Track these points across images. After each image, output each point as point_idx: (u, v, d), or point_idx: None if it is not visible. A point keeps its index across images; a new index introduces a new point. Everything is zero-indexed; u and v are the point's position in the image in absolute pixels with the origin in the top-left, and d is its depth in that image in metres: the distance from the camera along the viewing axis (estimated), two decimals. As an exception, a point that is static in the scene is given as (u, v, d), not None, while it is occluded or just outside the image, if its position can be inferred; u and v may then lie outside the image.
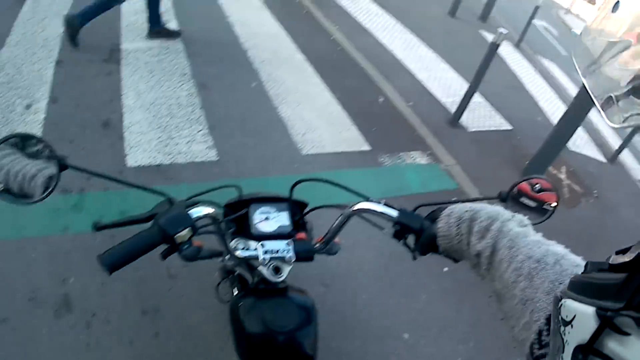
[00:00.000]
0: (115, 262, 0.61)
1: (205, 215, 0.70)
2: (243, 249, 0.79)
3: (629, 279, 0.20)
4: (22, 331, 1.47)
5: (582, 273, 0.27)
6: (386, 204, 0.73)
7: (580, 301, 0.24)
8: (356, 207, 0.75)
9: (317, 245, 0.82)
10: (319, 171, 2.43)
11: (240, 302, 0.80)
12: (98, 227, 0.71)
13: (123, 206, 1.88)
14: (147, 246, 0.64)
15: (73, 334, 1.51)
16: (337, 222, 0.80)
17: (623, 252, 0.23)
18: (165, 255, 0.68)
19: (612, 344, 0.20)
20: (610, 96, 0.40)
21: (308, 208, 0.89)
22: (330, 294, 1.82)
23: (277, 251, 0.77)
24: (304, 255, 0.78)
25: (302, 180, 0.81)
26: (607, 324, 0.21)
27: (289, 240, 0.79)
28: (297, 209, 0.87)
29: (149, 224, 0.68)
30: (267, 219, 0.82)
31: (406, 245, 0.72)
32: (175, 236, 0.64)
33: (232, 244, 0.79)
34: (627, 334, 0.20)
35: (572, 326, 0.24)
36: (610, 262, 0.24)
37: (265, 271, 0.77)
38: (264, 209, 0.83)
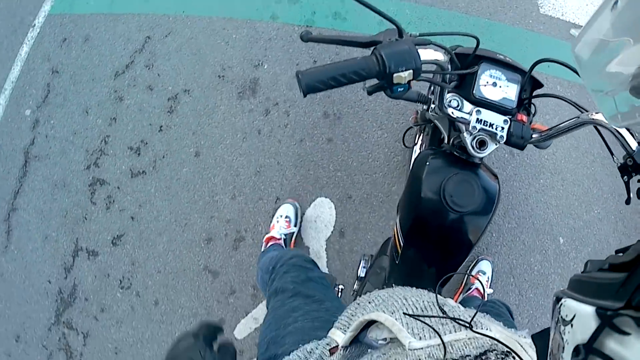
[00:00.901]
0: (315, 84, 0.55)
1: (433, 61, 0.62)
2: (457, 107, 0.70)
3: (628, 279, 0.20)
4: (202, 104, 1.64)
5: (582, 272, 0.27)
6: (629, 129, 0.62)
7: (580, 301, 0.23)
8: (596, 116, 0.64)
9: (534, 134, 0.70)
10: (551, 36, 2.05)
11: (429, 160, 0.73)
12: (306, 38, 0.64)
13: (339, 8, 1.75)
14: (358, 76, 0.56)
15: (249, 117, 1.64)
16: (568, 122, 0.68)
17: (623, 251, 0.24)
18: (373, 91, 0.62)
19: (612, 344, 0.20)
20: (610, 96, 0.42)
21: (541, 91, 0.76)
22: (512, 164, 1.70)
23: (491, 125, 0.68)
24: (515, 141, 0.69)
25: (548, 60, 0.68)
26: (606, 324, 0.20)
27: (507, 117, 0.69)
28: (529, 87, 0.75)
29: (366, 51, 0.59)
30: (494, 84, 0.70)
31: (627, 185, 0.62)
32: (395, 75, 0.56)
33: (447, 97, 0.70)
34: (627, 333, 0.19)
35: (572, 326, 0.23)
36: (610, 261, 0.24)
37: (468, 140, 0.69)
38: (495, 72, 0.71)
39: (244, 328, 1.60)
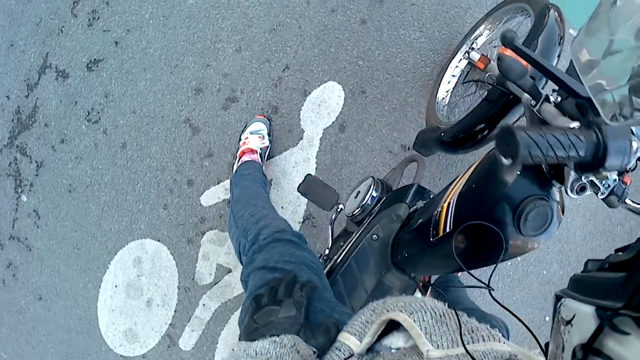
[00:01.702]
0: (534, 152, 0.46)
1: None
2: None
3: (628, 278, 0.20)
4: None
5: (582, 272, 0.27)
6: None
7: (580, 300, 0.23)
8: None
9: (629, 201, 0.63)
10: None
11: (521, 170, 0.63)
12: (509, 42, 0.58)
13: None
14: (567, 155, 0.48)
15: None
16: None
17: (622, 250, 0.23)
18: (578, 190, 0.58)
19: (611, 344, 0.20)
20: (609, 94, 0.42)
21: None
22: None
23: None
24: (612, 200, 0.59)
25: None
26: (606, 324, 0.20)
27: (617, 176, 0.59)
28: None
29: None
30: None
31: None
32: (604, 172, 0.50)
33: None
34: (627, 333, 0.19)
35: (572, 325, 0.23)
36: (609, 260, 0.24)
37: (570, 179, 0.59)
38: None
39: (212, 196, 1.48)
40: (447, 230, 0.70)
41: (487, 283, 0.44)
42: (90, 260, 1.63)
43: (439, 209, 0.74)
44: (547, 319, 1.72)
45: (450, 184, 0.77)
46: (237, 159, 1.36)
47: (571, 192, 0.61)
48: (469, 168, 0.72)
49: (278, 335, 0.49)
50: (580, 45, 0.47)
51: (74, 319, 1.73)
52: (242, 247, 0.88)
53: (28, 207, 1.68)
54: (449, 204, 0.72)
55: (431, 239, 0.74)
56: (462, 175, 0.73)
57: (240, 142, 1.38)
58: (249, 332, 0.55)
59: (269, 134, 1.40)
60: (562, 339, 0.24)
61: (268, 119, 1.41)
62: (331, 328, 0.55)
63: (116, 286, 1.62)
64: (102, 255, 1.61)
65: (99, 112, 1.53)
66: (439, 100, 1.39)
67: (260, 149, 1.36)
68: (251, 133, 1.37)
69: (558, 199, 0.66)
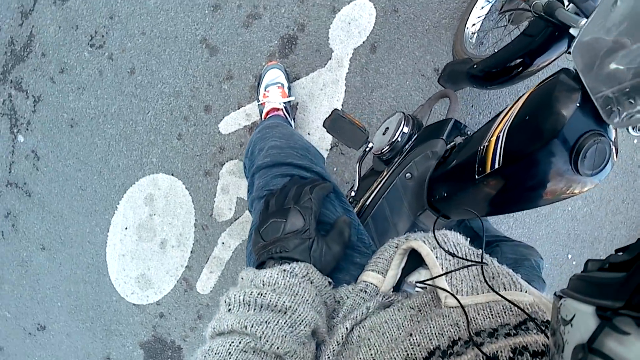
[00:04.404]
0: None
1: None
2: None
3: (628, 278, 0.20)
4: None
5: (582, 272, 0.27)
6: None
7: (580, 300, 0.23)
8: None
9: None
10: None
11: (580, 102, 0.55)
12: None
13: None
14: None
15: None
16: None
17: (623, 250, 0.24)
18: None
19: (611, 344, 0.20)
20: (610, 95, 0.43)
21: None
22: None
23: None
24: None
25: None
26: (606, 324, 0.20)
27: None
28: None
29: None
30: None
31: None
32: None
33: None
34: (627, 333, 0.19)
35: (571, 325, 0.23)
36: (610, 260, 0.24)
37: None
38: None
39: (232, 122, 1.36)
40: (496, 167, 0.63)
41: (481, 259, 0.41)
42: (97, 202, 1.51)
43: (486, 144, 0.67)
44: (570, 256, 1.64)
45: (496, 117, 0.69)
46: (262, 119, 1.25)
47: (633, 129, 0.55)
48: (519, 99, 0.64)
49: (289, 262, 0.45)
50: (581, 46, 0.46)
51: (81, 268, 1.61)
52: (245, 167, 0.79)
53: (26, 148, 1.55)
54: (497, 137, 0.64)
55: (476, 177, 0.67)
56: (511, 108, 0.65)
57: (260, 99, 1.26)
58: (257, 251, 0.50)
59: (287, 79, 1.28)
60: (562, 339, 0.24)
61: (280, 63, 1.28)
62: (344, 228, 0.52)
63: (126, 228, 1.50)
64: (110, 195, 1.49)
65: (103, 36, 1.39)
66: (469, 27, 1.28)
67: (285, 103, 1.24)
68: (268, 85, 1.25)
69: (614, 137, 0.58)
